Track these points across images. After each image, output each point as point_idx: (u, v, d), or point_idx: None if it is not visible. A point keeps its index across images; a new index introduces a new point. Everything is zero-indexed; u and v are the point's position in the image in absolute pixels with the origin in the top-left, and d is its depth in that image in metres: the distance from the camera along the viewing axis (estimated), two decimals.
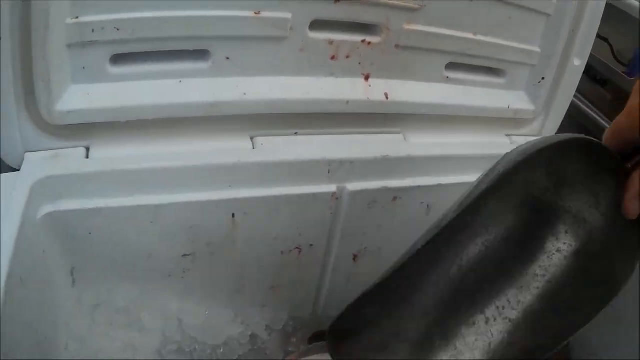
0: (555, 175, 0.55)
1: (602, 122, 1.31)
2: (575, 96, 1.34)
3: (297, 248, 0.81)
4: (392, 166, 0.80)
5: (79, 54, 0.64)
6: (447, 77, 0.86)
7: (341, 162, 0.77)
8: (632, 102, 0.53)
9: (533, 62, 0.91)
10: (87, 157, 0.69)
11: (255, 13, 0.70)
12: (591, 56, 1.24)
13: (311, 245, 0.82)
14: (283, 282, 0.84)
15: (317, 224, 0.80)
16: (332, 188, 0.78)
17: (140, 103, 0.69)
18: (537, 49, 0.90)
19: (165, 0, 0.65)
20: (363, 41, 0.78)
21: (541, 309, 0.54)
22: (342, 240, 0.82)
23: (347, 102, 0.79)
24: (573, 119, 1.35)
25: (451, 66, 0.86)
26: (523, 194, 0.55)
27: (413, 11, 0.78)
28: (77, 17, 0.62)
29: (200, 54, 0.72)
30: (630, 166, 0.54)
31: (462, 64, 0.86)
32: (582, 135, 0.56)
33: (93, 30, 0.63)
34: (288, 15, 0.72)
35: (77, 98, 0.66)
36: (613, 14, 1.26)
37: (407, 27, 0.78)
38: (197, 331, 0.82)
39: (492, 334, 0.54)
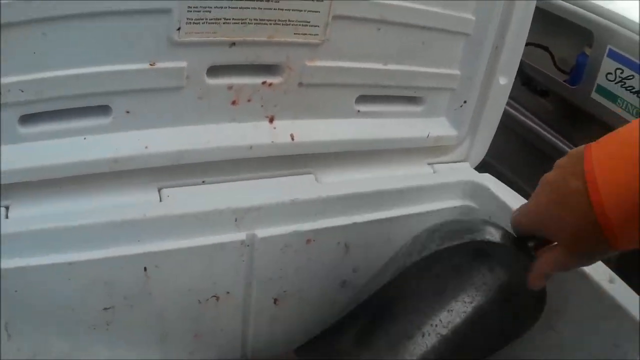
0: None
1: (545, 134, 1.29)
2: (515, 109, 1.32)
3: (213, 296, 0.78)
4: (302, 209, 0.77)
5: None
6: (358, 111, 0.83)
7: (248, 210, 0.74)
8: (531, 201, 0.61)
9: (453, 86, 0.87)
10: (7, 216, 0.68)
11: (151, 64, 0.68)
12: (530, 67, 1.22)
13: (228, 293, 0.78)
14: (205, 329, 0.81)
15: (230, 272, 0.77)
16: (241, 236, 0.75)
17: (49, 162, 0.68)
18: (456, 72, 0.87)
19: (63, 59, 0.64)
20: (264, 83, 0.75)
21: (467, 329, 0.69)
22: (259, 285, 0.79)
23: (251, 147, 0.76)
24: (514, 131, 1.32)
25: (362, 99, 0.82)
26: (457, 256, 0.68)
27: (315, 47, 0.75)
28: None
29: (102, 110, 0.70)
30: (532, 245, 0.64)
31: (374, 96, 0.83)
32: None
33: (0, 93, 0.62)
34: (183, 64, 0.69)
35: None
36: (552, 21, 1.24)
37: (309, 63, 0.76)
38: None
39: (426, 345, 0.70)
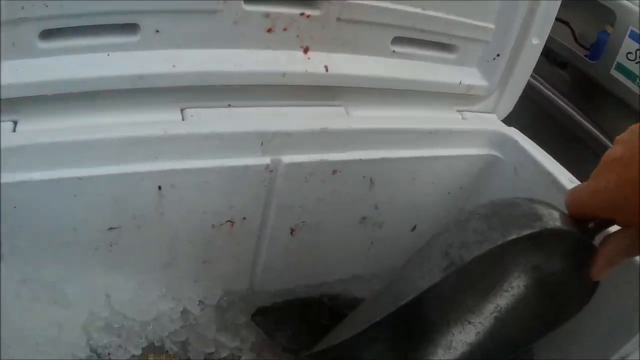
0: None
1: (563, 104, 1.25)
2: (534, 78, 1.27)
3: (228, 221, 0.73)
4: (331, 139, 0.71)
5: (9, 31, 0.57)
6: (394, 51, 0.77)
7: (275, 134, 0.69)
8: (597, 182, 0.53)
9: (487, 38, 0.82)
10: (14, 131, 0.62)
11: None
12: (550, 38, 1.17)
13: (244, 218, 0.73)
14: (215, 256, 0.76)
15: (250, 197, 0.72)
16: (265, 160, 0.69)
17: (67, 77, 0.62)
18: (491, 25, 0.81)
19: None
20: (302, 14, 0.69)
21: (504, 318, 0.59)
22: (278, 214, 0.74)
23: (284, 74, 0.70)
24: (532, 101, 1.28)
25: (398, 40, 0.77)
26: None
27: None
28: None
29: (130, 28, 0.63)
30: (591, 227, 0.56)
31: (410, 39, 0.78)
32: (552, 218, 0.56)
33: (23, 7, 0.56)
34: None
35: (6, 73, 0.59)
36: None
37: None
38: (126, 307, 0.74)
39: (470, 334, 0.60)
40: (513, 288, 0.58)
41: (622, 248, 0.53)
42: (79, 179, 0.62)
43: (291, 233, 0.77)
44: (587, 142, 1.24)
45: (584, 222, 0.56)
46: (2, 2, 0.55)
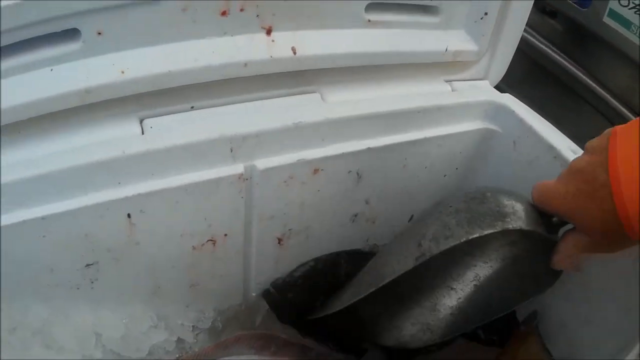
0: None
1: (554, 55, 1.11)
2: (524, 30, 1.14)
3: (209, 241, 0.61)
4: (307, 134, 0.59)
5: None
6: (369, 21, 0.63)
7: (245, 137, 0.56)
8: (559, 186, 0.51)
9: None
10: None
11: None
12: None
13: (225, 235, 0.62)
14: (202, 278, 0.65)
15: (228, 211, 0.60)
16: (238, 169, 0.57)
17: (10, 104, 0.50)
18: None
19: None
20: None
21: (483, 286, 0.63)
22: (261, 224, 0.63)
23: (245, 64, 0.57)
24: (524, 53, 1.14)
25: (373, 7, 0.63)
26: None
27: None
28: None
29: (70, 35, 0.51)
30: (556, 220, 0.54)
31: (387, 4, 0.64)
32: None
33: None
34: None
35: None
36: None
37: None
38: (118, 344, 0.64)
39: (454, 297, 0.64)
40: (491, 260, 0.62)
41: (579, 245, 0.52)
42: (43, 218, 0.52)
43: (279, 243, 0.66)
44: (582, 94, 1.11)
45: (548, 215, 0.54)
46: None
